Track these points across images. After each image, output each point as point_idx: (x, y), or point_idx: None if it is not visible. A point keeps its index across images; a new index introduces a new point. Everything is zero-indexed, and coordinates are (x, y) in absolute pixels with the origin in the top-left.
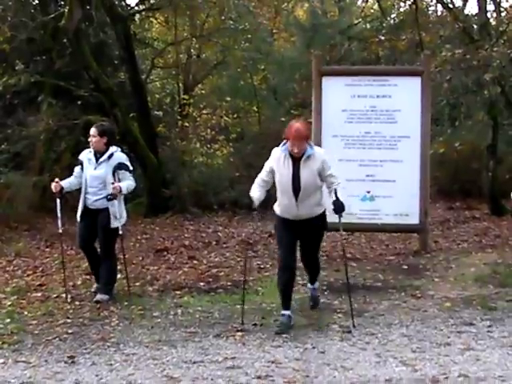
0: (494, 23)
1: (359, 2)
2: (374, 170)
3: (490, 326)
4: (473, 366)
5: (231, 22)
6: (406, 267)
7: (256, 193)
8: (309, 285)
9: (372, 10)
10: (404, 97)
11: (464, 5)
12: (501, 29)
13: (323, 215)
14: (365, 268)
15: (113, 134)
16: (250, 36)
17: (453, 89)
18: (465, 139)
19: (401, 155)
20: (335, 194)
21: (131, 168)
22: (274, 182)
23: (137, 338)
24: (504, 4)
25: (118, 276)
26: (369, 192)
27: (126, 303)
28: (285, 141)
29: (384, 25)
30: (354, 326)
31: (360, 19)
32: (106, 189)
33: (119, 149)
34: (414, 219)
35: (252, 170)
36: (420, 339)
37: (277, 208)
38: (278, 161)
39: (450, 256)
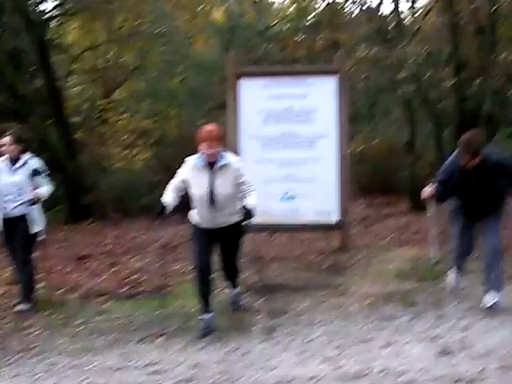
0: (408, 22)
1: (276, 4)
2: (293, 170)
3: (410, 321)
4: (394, 361)
5: (148, 26)
6: (327, 265)
7: (168, 198)
8: (230, 290)
9: (290, 11)
10: (320, 96)
11: (379, 5)
12: (415, 27)
13: (239, 224)
14: (286, 268)
15: (27, 140)
16: (167, 39)
17: (369, 87)
18: (383, 137)
19: (319, 154)
20: (247, 200)
21: (47, 173)
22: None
23: (60, 347)
24: (418, 3)
25: (41, 285)
26: (288, 192)
27: (47, 312)
28: (200, 149)
29: (301, 25)
30: (275, 327)
31: (278, 20)
32: (23, 195)
33: (34, 155)
34: (334, 217)
35: (171, 174)
36: (342, 336)
37: (193, 216)
38: (192, 171)
39: (370, 253)
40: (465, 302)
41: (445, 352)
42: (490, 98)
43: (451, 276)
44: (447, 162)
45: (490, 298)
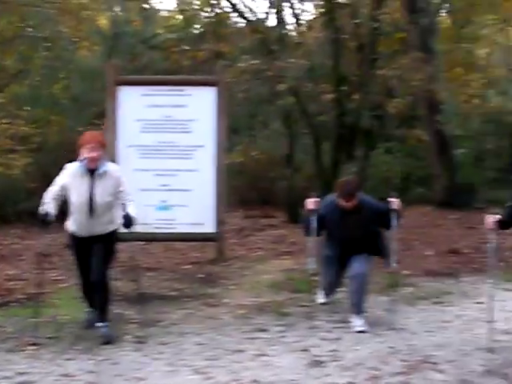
0: (293, 35)
1: (164, 12)
2: (170, 180)
3: (282, 332)
4: (265, 372)
5: (30, 30)
6: (202, 276)
7: (49, 207)
8: (97, 323)
9: (176, 20)
10: (199, 106)
11: (266, 17)
12: (298, 41)
13: (115, 233)
14: (161, 277)
15: None
16: (50, 44)
17: (250, 99)
18: (262, 148)
19: (196, 164)
20: (126, 209)
21: None
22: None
23: None
24: (306, 17)
25: None
26: (164, 201)
27: None
28: (81, 155)
29: (186, 35)
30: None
31: (163, 29)
32: None
33: None
34: (210, 228)
35: (50, 181)
36: (213, 347)
37: (70, 225)
38: (72, 177)
39: (246, 264)
40: (336, 315)
41: (315, 363)
42: (369, 113)
43: (320, 296)
44: (327, 200)
45: (356, 325)
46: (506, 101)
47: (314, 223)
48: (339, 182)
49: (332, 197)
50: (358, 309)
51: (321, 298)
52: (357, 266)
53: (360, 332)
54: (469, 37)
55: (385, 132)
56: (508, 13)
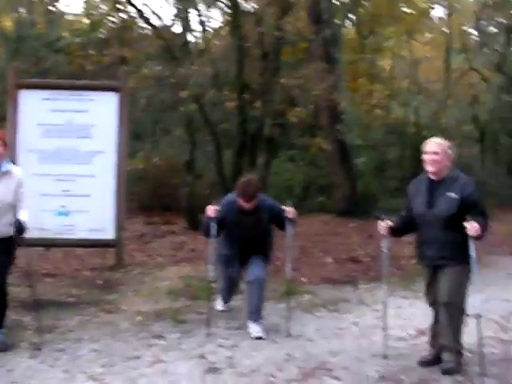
0: (199, 42)
1: (69, 16)
2: (69, 185)
3: (179, 339)
4: (161, 378)
5: None
6: (100, 282)
7: None
8: None
9: (81, 24)
10: (100, 112)
11: (172, 24)
12: (202, 48)
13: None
14: (59, 283)
15: None
16: None
17: (153, 105)
18: (165, 155)
19: (96, 170)
20: (19, 214)
21: None
22: None
23: None
24: (212, 24)
25: None
26: (64, 207)
27: None
28: None
29: (92, 39)
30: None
31: (68, 32)
32: None
33: None
34: (110, 234)
35: None
36: (110, 354)
37: None
38: None
39: (145, 270)
40: (234, 322)
41: (212, 370)
42: (271, 122)
43: (218, 303)
44: (228, 199)
45: (254, 331)
46: (408, 112)
47: (213, 230)
48: (240, 182)
49: (232, 196)
50: (255, 315)
51: (219, 305)
52: (255, 270)
53: (257, 338)
54: (372, 48)
55: (287, 140)
56: (410, 26)
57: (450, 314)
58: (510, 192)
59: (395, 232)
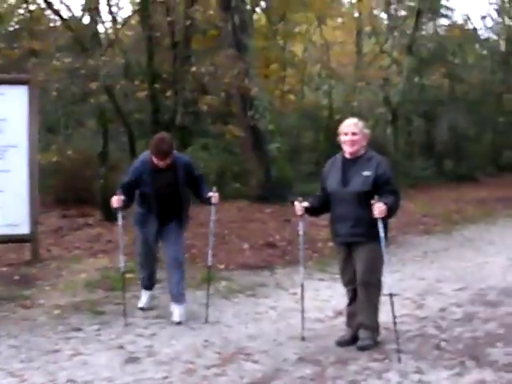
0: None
1: None
2: None
3: (98, 330)
4: (80, 371)
5: None
6: (17, 277)
7: None
8: None
9: None
10: (10, 106)
11: (82, 15)
12: (111, 37)
13: None
14: None
15: None
16: None
17: (64, 97)
18: (78, 147)
19: (8, 165)
20: None
21: None
22: None
23: None
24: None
25: None
26: None
27: None
28: None
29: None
30: None
31: None
32: None
33: None
34: (25, 229)
35: None
36: (28, 349)
37: None
38: None
39: (61, 264)
40: (152, 311)
41: (131, 359)
42: (183, 110)
43: (142, 298)
44: (135, 164)
45: (176, 315)
46: (321, 97)
47: (120, 219)
48: (153, 139)
49: (147, 154)
50: (179, 297)
51: (141, 303)
52: (173, 250)
53: (178, 323)
54: (284, 34)
55: (200, 128)
56: (321, 11)
57: (367, 292)
58: (423, 173)
59: (311, 212)
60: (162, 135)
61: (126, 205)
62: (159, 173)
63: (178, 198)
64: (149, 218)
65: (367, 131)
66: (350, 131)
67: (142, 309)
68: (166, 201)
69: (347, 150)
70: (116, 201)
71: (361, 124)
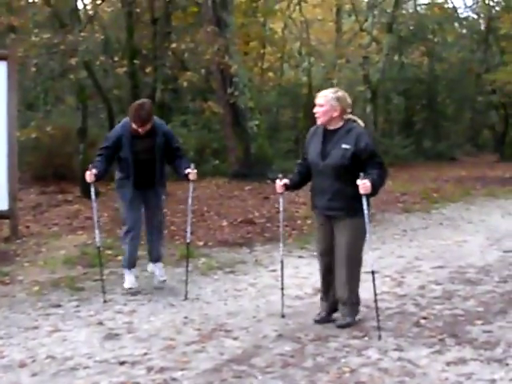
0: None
1: None
2: None
3: (77, 306)
4: (60, 347)
5: None
6: None
7: None
8: None
9: None
10: None
11: None
12: (90, 13)
13: None
14: None
15: None
16: None
17: (42, 73)
18: (57, 123)
19: None
20: None
21: None
22: None
23: None
24: None
25: None
26: None
27: None
28: None
29: None
30: None
31: None
32: None
33: None
34: (3, 205)
35: None
36: (8, 325)
37: None
38: None
39: (40, 240)
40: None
41: (111, 336)
42: (163, 86)
43: (127, 279)
44: (115, 129)
45: (160, 274)
46: (300, 74)
47: (93, 194)
48: (132, 105)
49: (120, 124)
50: (160, 259)
51: (127, 283)
52: (153, 214)
53: (165, 281)
54: (264, 11)
55: (180, 105)
56: None
57: (347, 268)
58: (402, 151)
59: (292, 187)
60: (142, 101)
61: (100, 177)
62: (138, 138)
63: (155, 164)
64: (127, 183)
65: (338, 103)
66: (318, 103)
67: (130, 289)
68: (144, 166)
69: (318, 122)
70: (89, 176)
71: (331, 95)
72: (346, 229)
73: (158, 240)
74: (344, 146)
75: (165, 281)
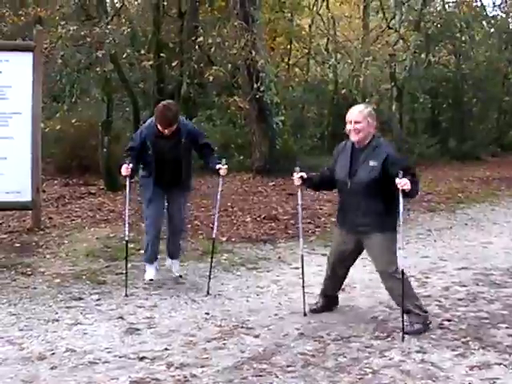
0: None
1: None
2: None
3: (98, 300)
4: (80, 340)
5: None
6: (18, 245)
7: None
8: None
9: None
10: (15, 73)
11: None
12: (118, 5)
13: None
14: None
15: None
16: None
17: (69, 65)
18: (82, 116)
19: (12, 132)
20: None
21: None
22: None
23: None
24: None
25: None
26: None
27: None
28: None
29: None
30: None
31: None
32: None
33: None
34: (27, 196)
35: None
36: (28, 317)
37: None
38: None
39: (63, 232)
40: (153, 282)
41: (131, 330)
42: (189, 81)
43: (148, 271)
44: (141, 129)
45: (176, 269)
46: (327, 71)
47: (128, 189)
48: (159, 106)
49: (146, 125)
50: (178, 255)
51: (148, 275)
52: (176, 214)
53: (181, 276)
54: (291, 7)
55: (205, 100)
56: None
57: (390, 282)
58: (427, 150)
59: (312, 185)
60: (168, 103)
61: (133, 174)
62: (162, 138)
63: (180, 164)
64: (151, 182)
65: (373, 119)
66: (354, 120)
67: (151, 280)
68: (168, 165)
69: (352, 139)
70: (125, 169)
71: (366, 111)
72: (377, 245)
73: (178, 238)
74: (372, 163)
75: (181, 276)
